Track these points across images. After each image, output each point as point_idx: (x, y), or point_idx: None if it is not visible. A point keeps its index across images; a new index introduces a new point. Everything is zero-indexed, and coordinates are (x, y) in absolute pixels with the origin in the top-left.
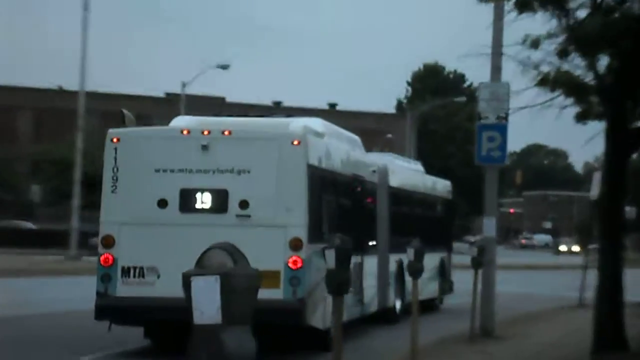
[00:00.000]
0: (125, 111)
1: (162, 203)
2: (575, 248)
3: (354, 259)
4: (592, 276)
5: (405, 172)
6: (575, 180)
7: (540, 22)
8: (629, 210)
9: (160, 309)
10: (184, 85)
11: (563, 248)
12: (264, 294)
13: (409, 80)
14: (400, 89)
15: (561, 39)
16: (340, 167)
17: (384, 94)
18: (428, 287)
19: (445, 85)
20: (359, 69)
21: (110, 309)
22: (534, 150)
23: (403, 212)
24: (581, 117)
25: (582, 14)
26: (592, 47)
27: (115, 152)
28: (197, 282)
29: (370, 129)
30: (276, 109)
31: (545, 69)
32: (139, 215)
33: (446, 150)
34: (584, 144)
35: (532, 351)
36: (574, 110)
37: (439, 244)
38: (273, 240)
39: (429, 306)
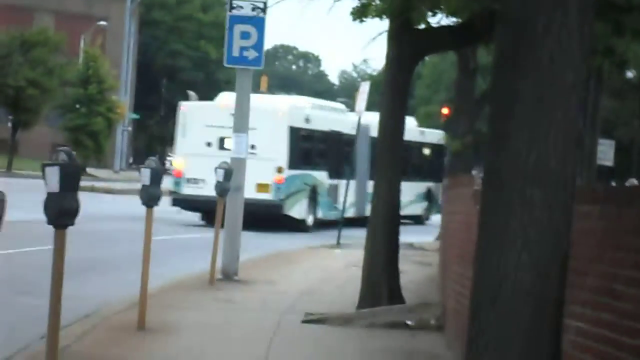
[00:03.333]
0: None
1: (208, 144)
2: None
3: (330, 182)
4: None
5: None
6: (329, 91)
7: None
8: None
9: (204, 201)
10: None
11: None
12: (262, 196)
13: None
14: None
15: None
16: (319, 126)
17: None
18: (415, 207)
19: None
20: None
21: (180, 201)
22: (281, 52)
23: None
24: (359, 13)
25: None
26: None
27: (184, 116)
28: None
29: (76, 12)
30: None
31: None
32: (195, 150)
33: (174, 46)
34: (363, 46)
35: (285, 299)
36: (351, 3)
37: (425, 176)
38: (267, 167)
39: (419, 220)
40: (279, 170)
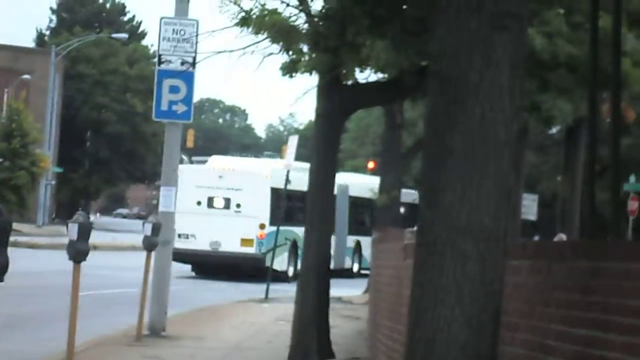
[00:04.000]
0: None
1: (198, 203)
2: None
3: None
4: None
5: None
6: (256, 144)
7: None
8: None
9: (194, 254)
10: None
11: None
12: (246, 250)
13: (54, 6)
14: (42, 18)
15: None
16: (299, 186)
17: (21, 22)
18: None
19: (100, 18)
20: None
21: (173, 254)
22: (208, 106)
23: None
24: (289, 69)
25: None
26: None
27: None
28: None
29: (0, 66)
30: None
31: (249, 5)
32: (187, 208)
33: (99, 99)
34: (292, 102)
35: (214, 356)
36: (280, 59)
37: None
38: (251, 224)
39: (347, 274)
40: (261, 226)
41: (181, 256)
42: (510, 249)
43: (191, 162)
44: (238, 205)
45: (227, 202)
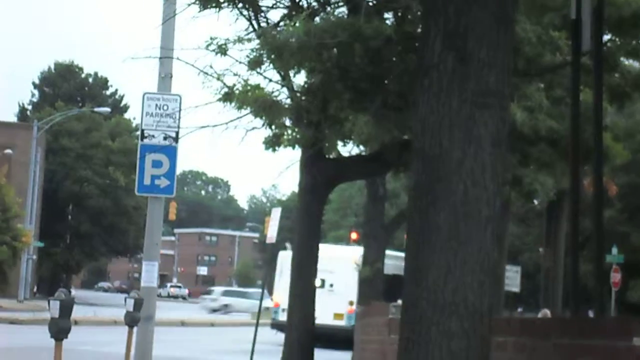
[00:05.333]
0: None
1: None
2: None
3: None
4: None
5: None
6: (238, 216)
7: (226, 22)
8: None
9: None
10: None
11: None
12: (338, 323)
13: (36, 81)
14: (24, 93)
15: (254, 45)
16: (387, 270)
17: (3, 96)
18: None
19: (82, 92)
20: None
21: (277, 325)
22: (190, 178)
23: None
24: (272, 144)
25: (277, 15)
26: (291, 58)
27: (281, 261)
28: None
29: None
30: None
31: (232, 81)
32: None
33: (81, 173)
34: (275, 176)
35: None
36: (263, 133)
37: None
38: (342, 300)
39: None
40: (350, 303)
41: (284, 327)
42: (495, 325)
43: (285, 248)
44: (331, 285)
45: (323, 282)
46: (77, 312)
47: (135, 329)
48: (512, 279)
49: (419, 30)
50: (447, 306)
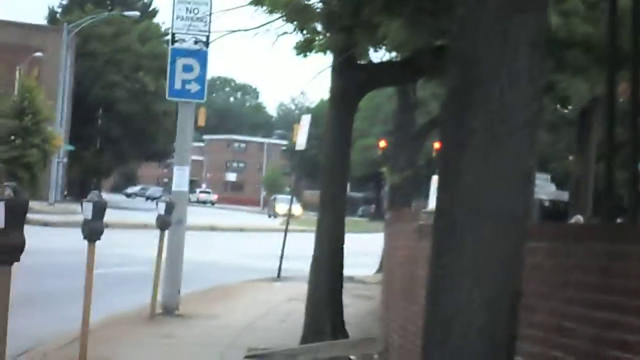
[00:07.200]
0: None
1: None
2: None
3: None
4: (294, 243)
5: None
6: (267, 123)
7: None
8: None
9: None
10: None
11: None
12: None
13: None
14: None
15: None
16: None
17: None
18: None
19: None
20: None
21: None
22: (219, 84)
23: None
24: (303, 48)
25: None
26: None
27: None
28: None
29: (13, 43)
30: None
31: None
32: None
33: (110, 77)
34: (306, 82)
35: (227, 334)
36: (294, 38)
37: None
38: None
39: None
40: None
41: None
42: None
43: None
44: None
45: None
46: (107, 216)
47: (166, 233)
48: (541, 187)
49: None
50: (481, 211)
